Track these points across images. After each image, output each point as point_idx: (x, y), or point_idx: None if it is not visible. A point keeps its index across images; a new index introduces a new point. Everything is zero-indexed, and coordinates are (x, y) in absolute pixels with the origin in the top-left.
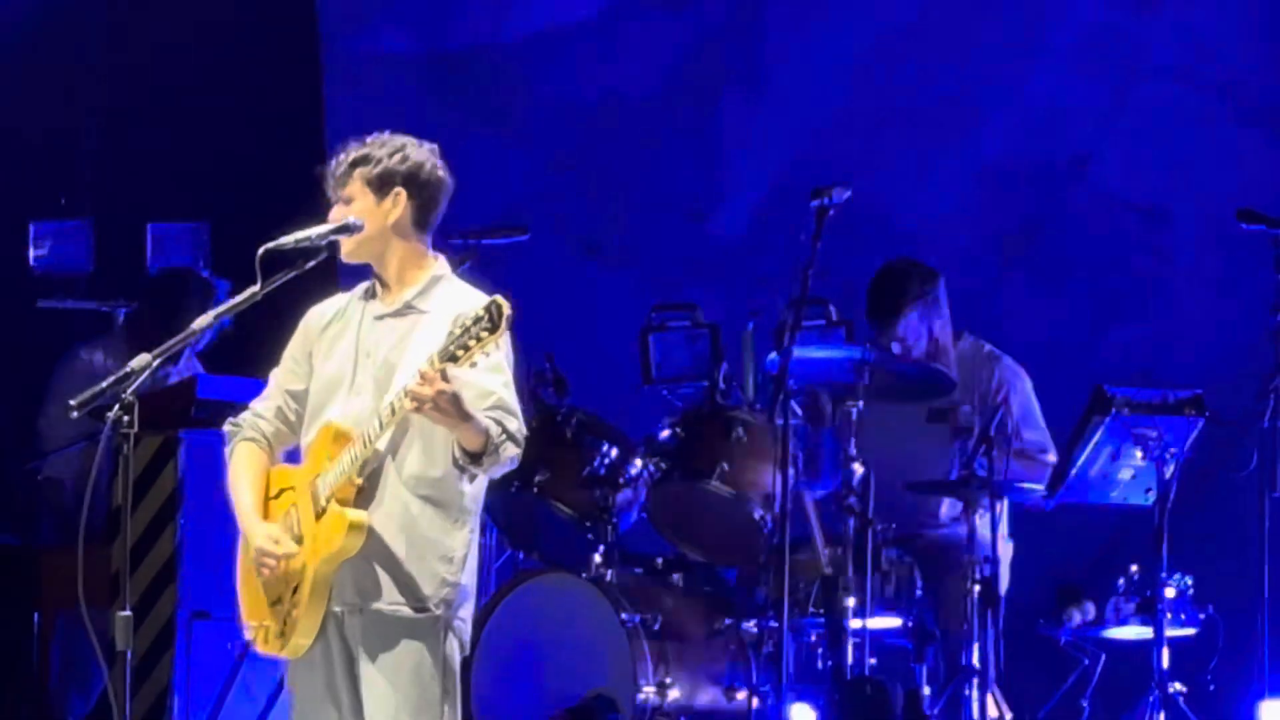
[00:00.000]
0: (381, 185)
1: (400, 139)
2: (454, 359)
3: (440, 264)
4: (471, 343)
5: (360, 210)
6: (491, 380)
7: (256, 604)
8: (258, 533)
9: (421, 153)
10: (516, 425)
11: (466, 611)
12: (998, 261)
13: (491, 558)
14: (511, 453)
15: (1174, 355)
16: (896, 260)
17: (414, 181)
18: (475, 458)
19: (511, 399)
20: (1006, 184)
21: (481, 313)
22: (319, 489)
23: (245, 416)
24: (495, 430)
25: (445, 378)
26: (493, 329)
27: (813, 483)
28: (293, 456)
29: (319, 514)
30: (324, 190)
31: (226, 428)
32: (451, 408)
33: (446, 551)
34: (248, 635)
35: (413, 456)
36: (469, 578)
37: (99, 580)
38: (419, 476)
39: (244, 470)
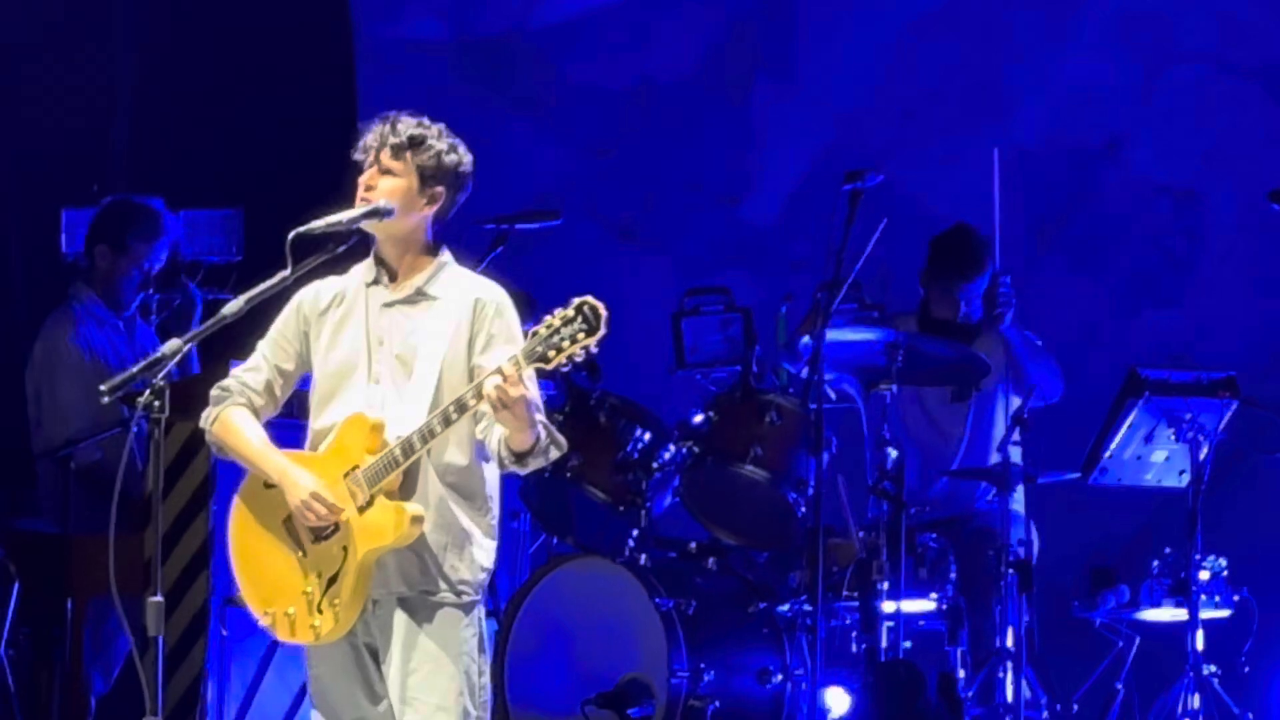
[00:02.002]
0: (430, 177)
1: (447, 132)
2: (544, 360)
3: (445, 251)
4: (565, 344)
5: (399, 189)
6: (529, 381)
7: (271, 590)
8: (307, 478)
9: (465, 151)
10: (552, 426)
11: None
12: (1031, 245)
13: (525, 542)
14: (555, 455)
15: (1208, 337)
16: (964, 224)
17: (456, 181)
18: (520, 457)
19: (540, 397)
20: (1039, 168)
21: (572, 314)
22: (360, 481)
23: (233, 384)
24: (544, 433)
25: (522, 380)
26: (590, 331)
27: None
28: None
29: (363, 506)
30: (354, 155)
31: (214, 392)
32: (525, 412)
33: (481, 539)
34: (262, 624)
35: (446, 447)
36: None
37: (132, 567)
38: (449, 466)
39: (252, 428)
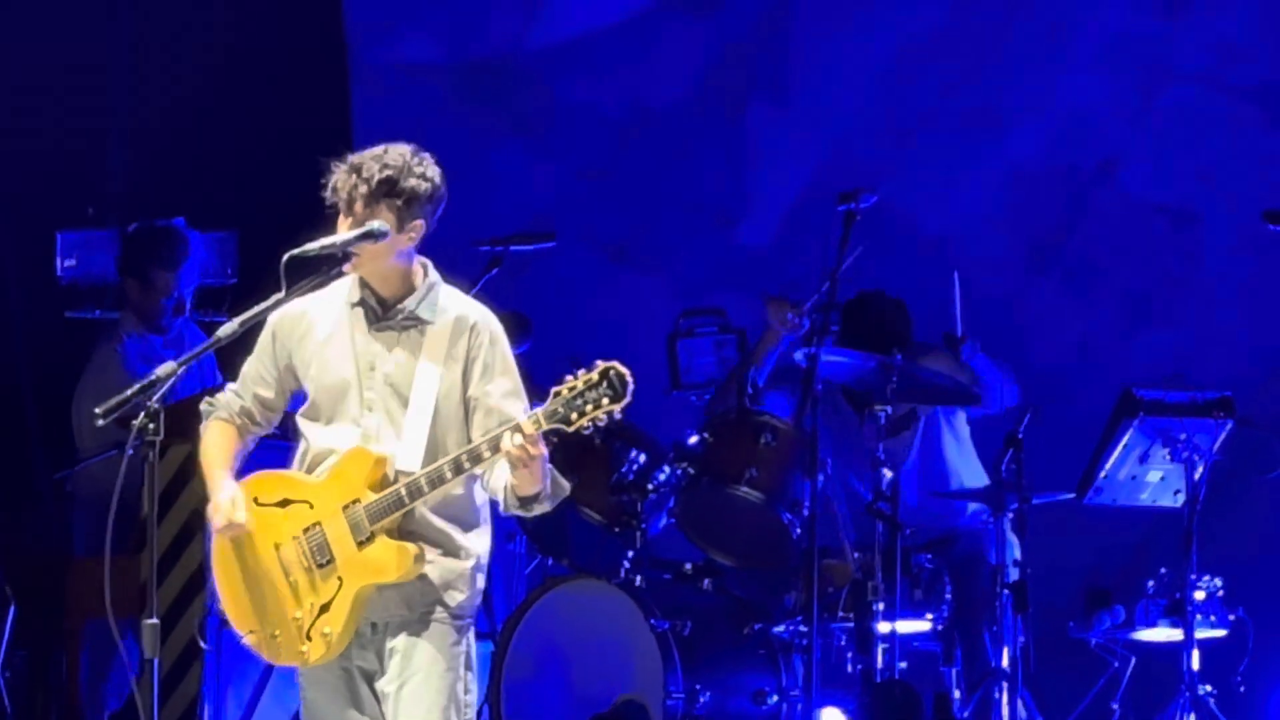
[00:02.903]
0: (406, 214)
1: (416, 159)
2: (566, 422)
3: (432, 270)
4: (589, 409)
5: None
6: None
7: (259, 611)
8: (230, 488)
9: (435, 171)
10: (555, 470)
11: None
12: (1026, 266)
13: (521, 564)
14: (559, 498)
15: (1203, 358)
16: (879, 294)
17: (432, 206)
18: (525, 502)
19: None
20: (1035, 188)
21: (596, 378)
22: (361, 517)
23: (223, 399)
24: (548, 481)
25: (540, 440)
26: (615, 398)
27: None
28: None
29: (363, 541)
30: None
31: (203, 406)
32: (540, 469)
33: (478, 561)
34: (246, 641)
35: None
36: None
37: (129, 589)
38: (447, 494)
39: (219, 442)
